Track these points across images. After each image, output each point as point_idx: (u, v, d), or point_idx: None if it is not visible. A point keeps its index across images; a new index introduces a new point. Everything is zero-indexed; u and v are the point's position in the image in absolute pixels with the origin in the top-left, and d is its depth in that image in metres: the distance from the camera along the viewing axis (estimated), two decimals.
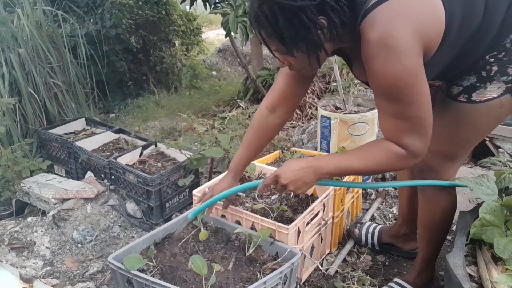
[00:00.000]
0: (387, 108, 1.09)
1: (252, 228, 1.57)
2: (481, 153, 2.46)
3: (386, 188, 2.36)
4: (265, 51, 5.63)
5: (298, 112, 3.67)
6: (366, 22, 1.02)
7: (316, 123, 2.74)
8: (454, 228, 1.76)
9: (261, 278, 1.33)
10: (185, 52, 5.99)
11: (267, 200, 1.81)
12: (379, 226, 1.89)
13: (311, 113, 3.61)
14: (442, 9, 1.03)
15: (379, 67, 1.01)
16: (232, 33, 2.94)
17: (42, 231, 2.03)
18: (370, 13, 1.02)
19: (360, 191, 2.11)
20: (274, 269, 1.37)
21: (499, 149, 2.42)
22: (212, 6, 3.28)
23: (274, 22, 1.03)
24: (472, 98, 1.19)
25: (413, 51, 1.00)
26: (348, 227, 1.97)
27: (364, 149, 1.18)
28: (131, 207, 2.25)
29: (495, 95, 1.17)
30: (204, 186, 1.84)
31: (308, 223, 1.61)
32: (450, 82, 1.25)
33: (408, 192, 1.70)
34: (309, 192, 1.85)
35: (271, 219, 1.60)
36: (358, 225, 1.92)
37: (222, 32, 3.07)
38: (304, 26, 1.02)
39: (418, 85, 1.04)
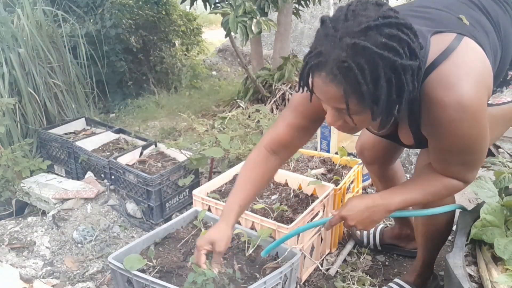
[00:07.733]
0: (454, 159, 1.11)
1: (252, 228, 1.57)
2: None
3: None
4: (265, 51, 5.61)
5: None
6: (431, 82, 1.00)
7: None
8: (454, 228, 1.76)
9: (261, 278, 1.33)
10: (185, 52, 5.97)
11: (267, 200, 1.81)
12: (380, 226, 1.89)
13: None
14: (489, 62, 1.06)
15: (456, 128, 1.01)
16: (232, 33, 2.94)
17: (42, 231, 2.03)
18: (432, 72, 1.00)
19: (360, 190, 2.11)
20: (274, 269, 1.37)
21: (499, 149, 2.42)
22: (212, 6, 3.28)
23: (371, 79, 0.85)
24: (489, 102, 1.20)
25: (484, 108, 1.03)
26: None
27: (425, 182, 1.20)
28: (131, 207, 2.25)
29: (509, 99, 1.22)
30: (204, 187, 1.84)
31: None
32: None
33: None
34: (309, 192, 1.85)
35: (271, 219, 1.60)
36: None
37: (222, 32, 3.06)
38: (400, 88, 0.88)
39: (487, 135, 1.07)
